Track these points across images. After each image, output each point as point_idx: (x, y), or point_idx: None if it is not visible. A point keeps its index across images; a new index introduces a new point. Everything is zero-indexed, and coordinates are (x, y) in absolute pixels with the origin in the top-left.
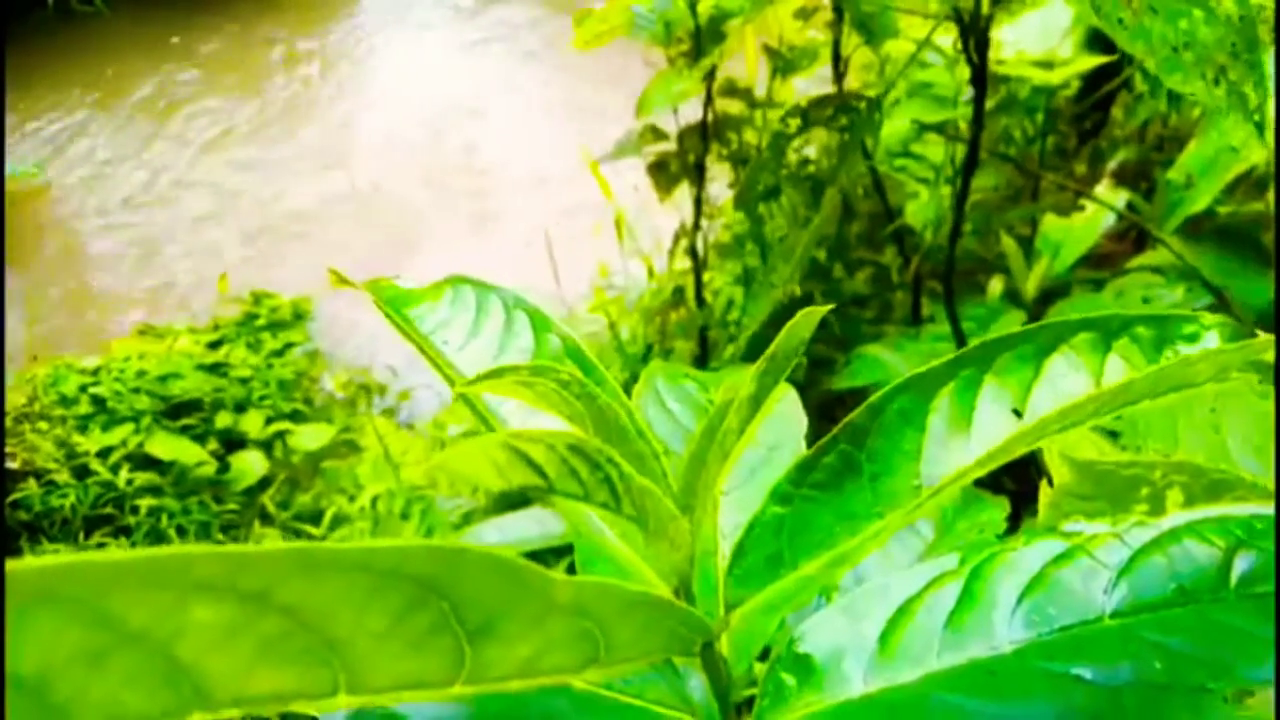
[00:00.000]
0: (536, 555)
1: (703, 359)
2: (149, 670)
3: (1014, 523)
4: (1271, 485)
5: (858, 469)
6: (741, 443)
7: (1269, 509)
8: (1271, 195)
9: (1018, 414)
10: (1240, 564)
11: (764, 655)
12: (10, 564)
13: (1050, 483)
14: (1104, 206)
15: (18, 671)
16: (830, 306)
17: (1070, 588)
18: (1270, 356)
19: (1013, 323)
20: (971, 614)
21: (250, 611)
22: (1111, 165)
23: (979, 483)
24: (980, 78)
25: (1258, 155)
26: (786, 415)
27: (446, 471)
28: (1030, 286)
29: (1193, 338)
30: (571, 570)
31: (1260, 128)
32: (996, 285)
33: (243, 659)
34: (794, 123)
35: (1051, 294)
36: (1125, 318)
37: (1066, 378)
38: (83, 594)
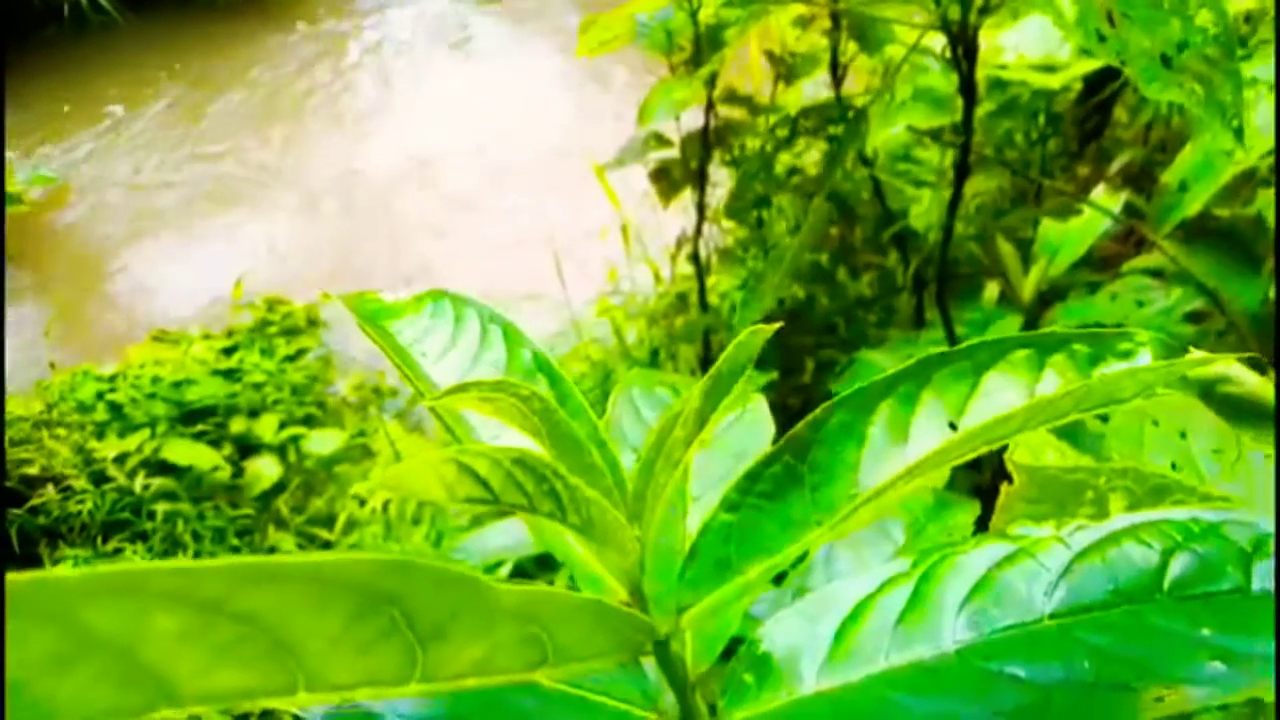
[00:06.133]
0: (542, 558)
1: (707, 362)
2: (114, 671)
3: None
4: (1219, 491)
5: (800, 480)
6: (715, 450)
7: (1207, 513)
8: (1262, 197)
9: (953, 427)
10: (1176, 567)
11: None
12: None
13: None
14: (1100, 211)
15: (9, 673)
16: (778, 325)
17: (1013, 590)
18: (1199, 373)
19: (1009, 326)
20: (919, 616)
21: (207, 618)
22: (1115, 167)
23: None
24: (969, 86)
25: (1250, 158)
26: (755, 422)
27: (395, 487)
28: (1026, 290)
29: (1127, 355)
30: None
31: (1239, 134)
32: (993, 289)
33: (202, 660)
34: (782, 132)
35: (1050, 297)
36: (1062, 335)
37: (1002, 393)
38: (50, 606)
